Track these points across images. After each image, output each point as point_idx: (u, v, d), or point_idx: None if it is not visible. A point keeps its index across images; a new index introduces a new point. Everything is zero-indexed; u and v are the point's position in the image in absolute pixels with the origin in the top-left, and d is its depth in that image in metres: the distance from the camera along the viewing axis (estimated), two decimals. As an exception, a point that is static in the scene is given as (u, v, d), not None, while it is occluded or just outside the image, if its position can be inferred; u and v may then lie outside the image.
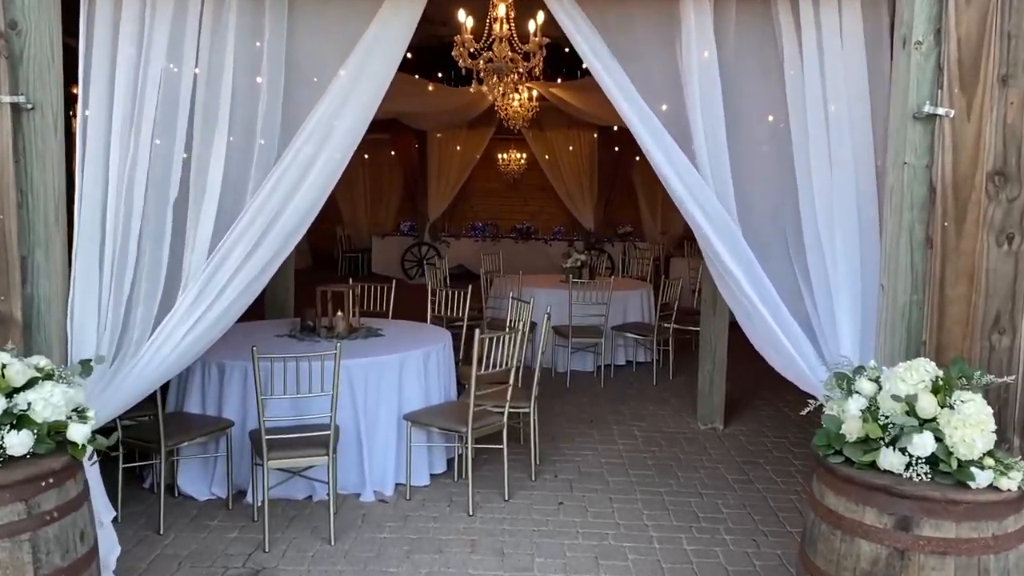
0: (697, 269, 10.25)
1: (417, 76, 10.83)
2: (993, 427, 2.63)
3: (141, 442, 4.34)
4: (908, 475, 2.60)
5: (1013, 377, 3.00)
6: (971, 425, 2.56)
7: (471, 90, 11.23)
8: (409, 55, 9.79)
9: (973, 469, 2.56)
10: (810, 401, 3.26)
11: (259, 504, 4.30)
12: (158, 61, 3.23)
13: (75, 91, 3.19)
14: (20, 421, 2.71)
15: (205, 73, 3.33)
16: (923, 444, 2.58)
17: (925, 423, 2.63)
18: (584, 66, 3.72)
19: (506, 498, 4.80)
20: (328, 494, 4.22)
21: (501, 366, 4.66)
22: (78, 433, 2.77)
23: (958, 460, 2.57)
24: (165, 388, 4.97)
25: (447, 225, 16.67)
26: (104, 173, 3.22)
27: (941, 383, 2.71)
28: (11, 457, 2.67)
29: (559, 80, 11.44)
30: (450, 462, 5.18)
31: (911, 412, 2.65)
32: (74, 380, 2.93)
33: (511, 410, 4.86)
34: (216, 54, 3.33)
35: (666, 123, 3.50)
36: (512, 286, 8.15)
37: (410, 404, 4.85)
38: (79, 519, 2.77)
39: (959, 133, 3.01)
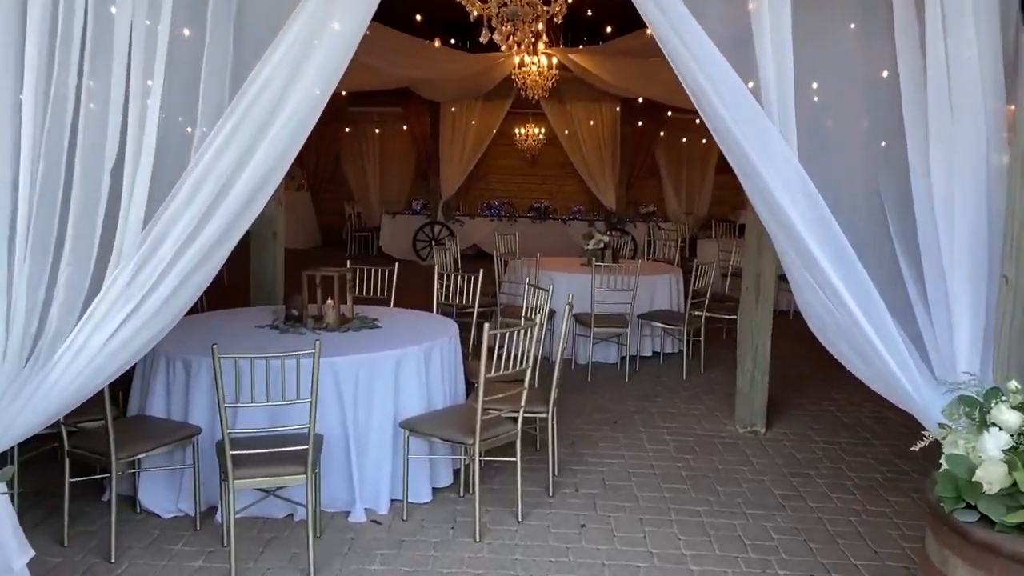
0: (730, 252, 9.50)
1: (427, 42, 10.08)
2: None
3: (90, 453, 3.68)
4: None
5: None
6: None
7: (487, 57, 10.56)
8: (418, 16, 9.08)
9: None
10: (924, 434, 2.51)
11: (228, 527, 3.64)
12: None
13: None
14: None
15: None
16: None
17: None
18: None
19: (519, 519, 4.11)
20: (308, 517, 3.55)
21: (515, 365, 3.96)
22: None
23: None
24: (127, 389, 4.33)
25: (461, 204, 15.95)
26: (14, 130, 2.53)
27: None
28: None
29: (579, 47, 10.63)
30: (456, 472, 4.50)
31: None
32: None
33: (526, 415, 4.17)
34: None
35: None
36: (529, 269, 7.43)
37: (408, 408, 4.16)
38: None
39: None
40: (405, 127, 16.51)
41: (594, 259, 7.81)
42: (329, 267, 4.75)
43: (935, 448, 2.47)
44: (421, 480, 4.23)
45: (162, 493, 4.06)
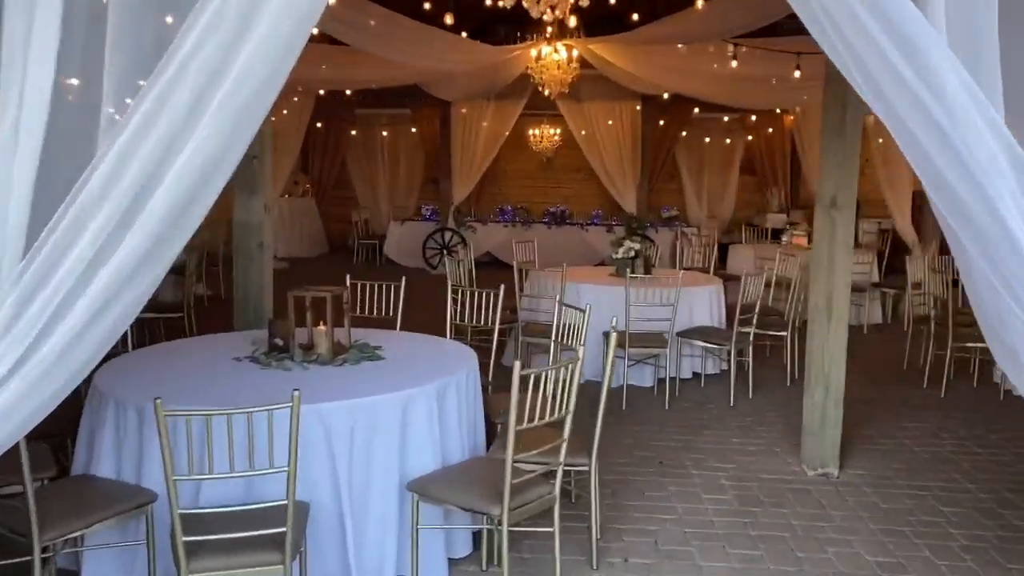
0: (769, 258, 8.64)
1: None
2: None
3: (8, 533, 2.86)
4: None
5: None
6: None
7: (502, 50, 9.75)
8: (427, 5, 8.28)
9: None
10: None
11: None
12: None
13: None
14: None
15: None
16: None
17: None
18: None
19: (558, 602, 3.28)
20: (288, 617, 2.72)
21: (552, 412, 3.13)
22: None
23: None
24: (75, 437, 3.52)
25: (473, 209, 15.14)
26: None
27: None
28: None
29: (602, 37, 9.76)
30: (476, 538, 3.66)
31: None
32: None
33: (565, 467, 3.34)
34: None
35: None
36: (553, 282, 6.60)
37: (418, 465, 3.33)
38: None
39: None
40: (414, 129, 15.74)
41: (627, 269, 6.99)
42: (322, 285, 3.93)
43: None
44: (434, 551, 3.39)
45: (112, 573, 3.24)
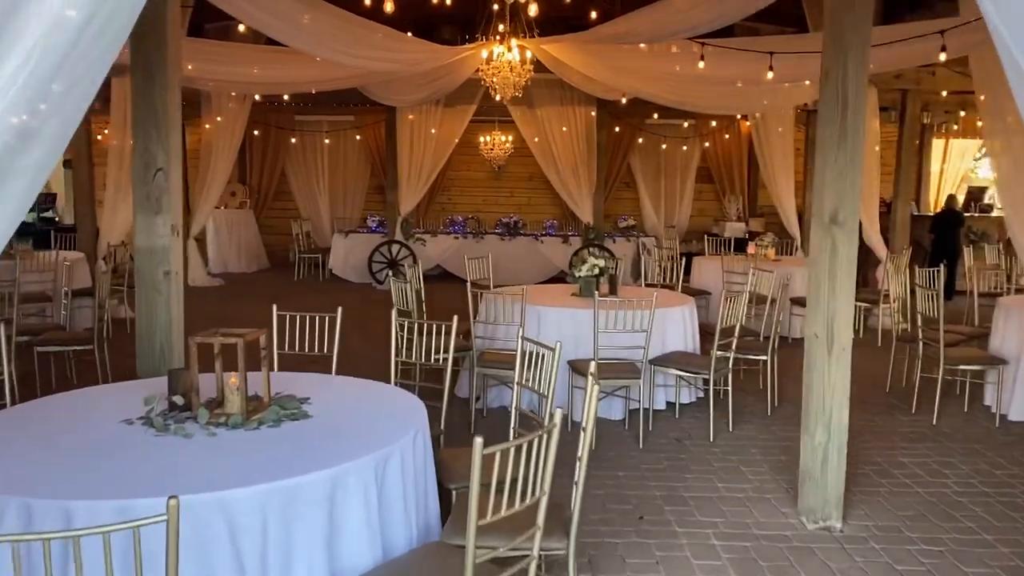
0: (740, 272, 8.11)
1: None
2: None
3: None
4: None
5: None
6: None
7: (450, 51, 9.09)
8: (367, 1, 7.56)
9: None
10: None
11: None
12: None
13: None
14: None
15: None
16: None
17: None
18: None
19: None
20: None
21: (521, 498, 2.45)
22: None
23: None
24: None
25: (422, 220, 14.42)
26: None
27: None
28: None
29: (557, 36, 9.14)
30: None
31: None
32: None
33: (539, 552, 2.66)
34: None
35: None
36: (510, 304, 5.93)
37: (351, 564, 2.62)
38: None
39: None
40: (358, 137, 14.99)
41: (587, 288, 6.36)
42: (233, 328, 3.19)
43: None
44: (375, 666, 2.68)
45: None
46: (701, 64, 7.14)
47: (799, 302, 8.41)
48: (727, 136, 14.83)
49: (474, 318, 6.16)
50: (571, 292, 6.71)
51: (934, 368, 6.14)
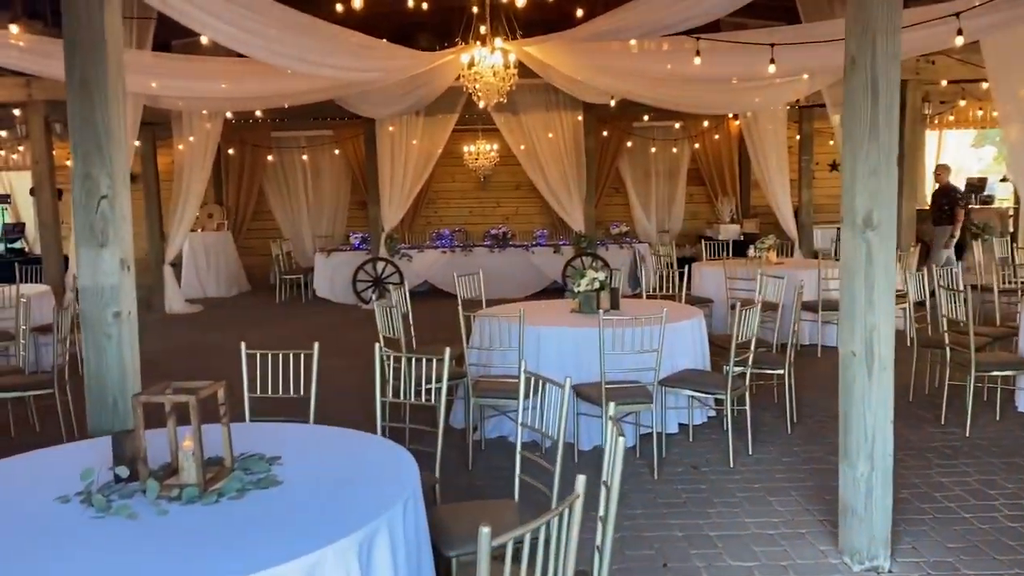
0: (747, 279, 7.68)
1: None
2: None
3: None
4: None
5: None
6: None
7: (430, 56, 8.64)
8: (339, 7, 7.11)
9: None
10: None
11: None
12: None
13: None
14: None
15: None
16: None
17: None
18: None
19: None
20: None
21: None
22: None
23: None
24: None
25: (407, 235, 13.95)
26: None
27: None
28: None
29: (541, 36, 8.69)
30: None
31: None
32: None
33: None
34: None
35: None
36: (505, 326, 5.45)
37: (333, 672, 2.13)
38: None
39: None
40: (337, 151, 14.52)
41: (592, 304, 5.92)
42: (186, 382, 2.70)
43: None
44: None
45: None
46: (697, 60, 6.70)
47: (810, 307, 7.98)
48: (717, 136, 14.44)
49: (467, 343, 5.68)
50: (570, 308, 6.24)
51: (960, 374, 5.71)
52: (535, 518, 1.89)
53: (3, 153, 13.59)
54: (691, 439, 5.61)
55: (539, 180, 12.62)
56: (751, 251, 9.61)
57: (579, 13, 7.46)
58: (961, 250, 11.56)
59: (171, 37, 9.47)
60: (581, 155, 12.43)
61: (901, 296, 6.98)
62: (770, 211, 12.25)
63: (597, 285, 6.07)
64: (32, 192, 11.80)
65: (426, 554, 2.66)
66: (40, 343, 7.87)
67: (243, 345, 3.93)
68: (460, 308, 5.77)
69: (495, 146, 13.57)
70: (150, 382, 3.03)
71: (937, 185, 11.61)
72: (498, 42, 7.89)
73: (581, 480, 2.01)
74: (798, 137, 12.89)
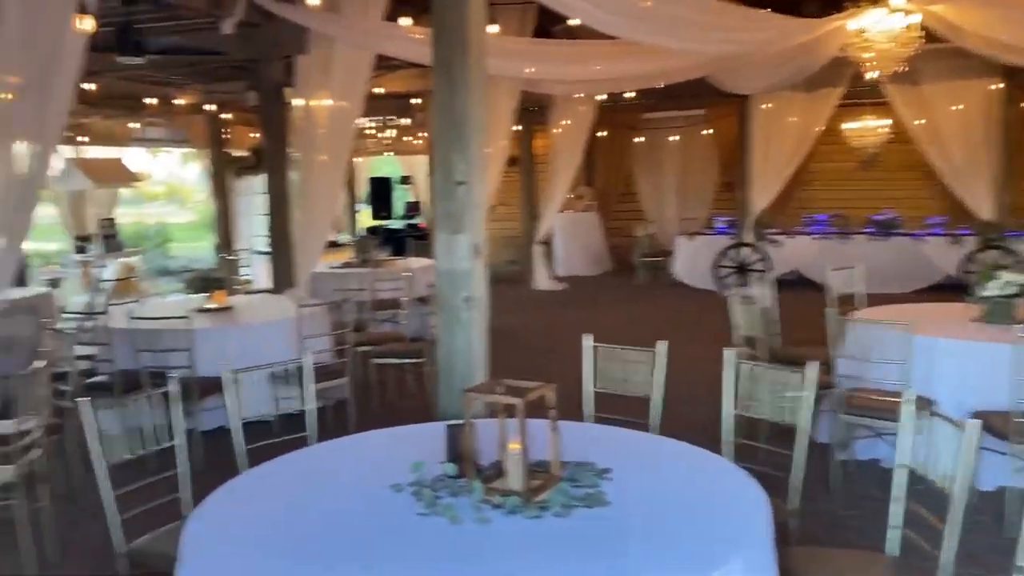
0: None
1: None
2: None
3: None
4: None
5: None
6: None
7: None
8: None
9: None
10: None
11: None
12: None
13: None
14: None
15: None
16: None
17: None
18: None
19: None
20: None
21: None
22: None
23: None
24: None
25: (777, 219, 13.06)
26: None
27: None
28: None
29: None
30: None
31: None
32: None
33: None
34: None
35: None
36: (884, 333, 4.65)
37: None
38: None
39: None
40: (707, 131, 14.04)
41: (1006, 313, 4.86)
42: (519, 382, 2.56)
43: None
44: None
45: None
46: None
47: None
48: None
49: (838, 347, 4.96)
50: (970, 316, 5.18)
51: None
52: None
53: (408, 139, 15.29)
54: None
55: (940, 160, 10.94)
56: None
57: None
58: None
59: (550, 24, 9.77)
60: (995, 130, 10.51)
61: None
62: None
63: (1014, 290, 4.94)
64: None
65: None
66: (423, 312, 8.65)
67: (586, 339, 3.74)
68: (829, 309, 5.05)
69: (887, 122, 12.07)
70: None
71: None
72: (898, 0, 6.82)
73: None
74: None
